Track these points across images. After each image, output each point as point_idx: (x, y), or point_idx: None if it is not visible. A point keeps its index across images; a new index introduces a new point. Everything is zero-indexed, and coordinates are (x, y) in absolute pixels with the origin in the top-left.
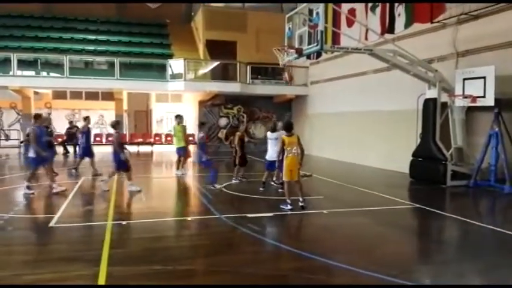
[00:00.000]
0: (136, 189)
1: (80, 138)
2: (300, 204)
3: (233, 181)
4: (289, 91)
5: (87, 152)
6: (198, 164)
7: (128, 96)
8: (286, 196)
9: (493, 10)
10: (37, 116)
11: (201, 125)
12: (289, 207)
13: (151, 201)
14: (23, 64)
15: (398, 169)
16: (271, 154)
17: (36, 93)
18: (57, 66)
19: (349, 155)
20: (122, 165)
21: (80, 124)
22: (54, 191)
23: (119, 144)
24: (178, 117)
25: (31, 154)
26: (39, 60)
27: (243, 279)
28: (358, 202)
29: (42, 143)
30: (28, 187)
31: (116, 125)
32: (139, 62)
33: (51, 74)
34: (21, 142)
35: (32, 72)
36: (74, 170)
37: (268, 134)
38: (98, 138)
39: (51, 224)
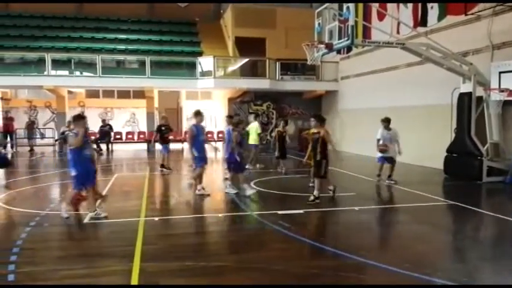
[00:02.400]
0: (234, 192)
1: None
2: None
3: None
4: (319, 87)
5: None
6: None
7: (159, 94)
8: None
9: None
10: (197, 113)
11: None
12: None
13: (183, 197)
14: (57, 64)
15: (432, 165)
16: None
17: (70, 92)
18: (90, 66)
19: None
20: (239, 165)
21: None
22: (198, 192)
23: (238, 144)
24: (255, 116)
25: (196, 153)
26: (72, 60)
27: (274, 277)
28: (391, 199)
29: (200, 142)
30: (202, 188)
31: (239, 123)
32: (169, 60)
33: (84, 74)
34: (56, 140)
35: (66, 72)
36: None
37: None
38: (129, 136)
39: (86, 220)
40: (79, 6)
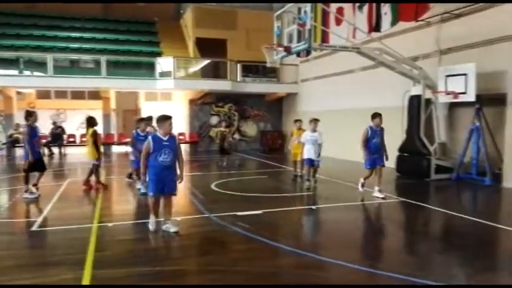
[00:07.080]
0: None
1: None
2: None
3: None
4: (279, 89)
5: None
6: None
7: (116, 95)
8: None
9: (474, 9)
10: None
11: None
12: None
13: (142, 202)
14: (4, 63)
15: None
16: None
17: (18, 93)
18: (41, 65)
19: (338, 151)
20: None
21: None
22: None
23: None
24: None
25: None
26: (21, 59)
27: (235, 278)
28: (346, 197)
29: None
30: None
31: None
32: (127, 60)
33: (35, 73)
34: (4, 144)
35: (15, 72)
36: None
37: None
38: (84, 139)
39: (34, 227)
40: (30, 4)
